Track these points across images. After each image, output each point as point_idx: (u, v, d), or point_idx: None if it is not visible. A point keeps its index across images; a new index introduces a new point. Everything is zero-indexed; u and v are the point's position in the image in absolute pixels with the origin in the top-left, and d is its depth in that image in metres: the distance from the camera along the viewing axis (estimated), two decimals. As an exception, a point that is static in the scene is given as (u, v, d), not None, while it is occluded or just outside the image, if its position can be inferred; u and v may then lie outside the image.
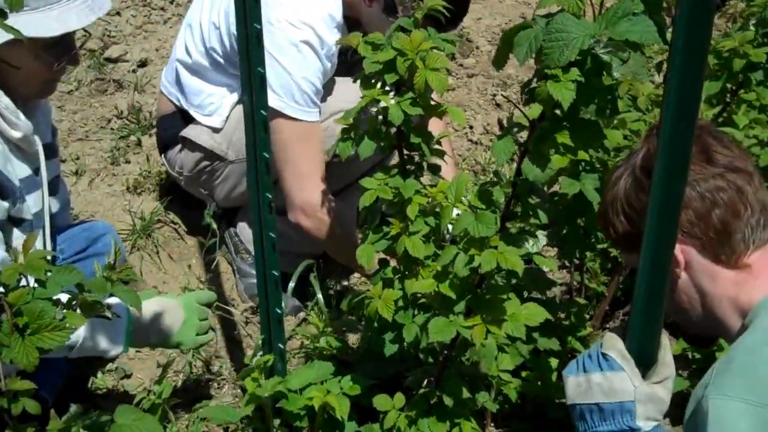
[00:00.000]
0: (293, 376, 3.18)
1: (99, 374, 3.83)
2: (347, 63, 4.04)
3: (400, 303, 2.90)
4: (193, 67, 4.14)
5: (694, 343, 2.81)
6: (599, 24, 2.14)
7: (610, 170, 2.75)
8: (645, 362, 2.29)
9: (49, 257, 2.33)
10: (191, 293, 3.63)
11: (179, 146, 4.27)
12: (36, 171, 3.29)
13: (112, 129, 5.14)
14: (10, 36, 2.18)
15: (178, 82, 4.23)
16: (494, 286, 2.62)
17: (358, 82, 2.89)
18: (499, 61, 2.37)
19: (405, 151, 2.96)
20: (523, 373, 3.30)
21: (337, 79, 4.06)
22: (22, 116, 3.15)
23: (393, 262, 3.00)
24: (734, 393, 2.21)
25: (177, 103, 4.27)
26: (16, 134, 3.15)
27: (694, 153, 2.20)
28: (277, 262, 3.04)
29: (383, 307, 2.84)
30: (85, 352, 3.18)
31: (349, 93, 3.75)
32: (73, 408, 3.57)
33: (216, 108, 4.13)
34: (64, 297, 2.37)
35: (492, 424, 3.38)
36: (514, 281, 2.63)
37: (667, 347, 2.31)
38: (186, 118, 4.24)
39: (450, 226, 2.70)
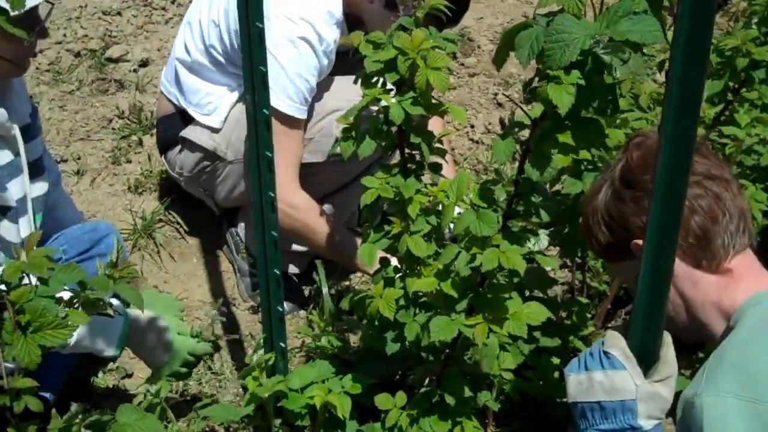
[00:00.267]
0: (294, 375, 3.18)
1: (100, 374, 3.84)
2: (348, 62, 4.04)
3: (402, 302, 2.90)
4: (192, 65, 4.14)
5: (682, 349, 2.82)
6: (600, 24, 2.14)
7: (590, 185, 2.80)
8: (647, 360, 2.28)
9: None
10: (191, 340, 3.48)
11: (179, 147, 4.27)
12: (17, 154, 3.28)
13: (113, 129, 5.14)
14: None
15: (178, 81, 4.23)
16: (496, 285, 2.62)
17: (357, 81, 2.90)
18: (499, 61, 2.37)
19: (406, 150, 2.96)
20: (525, 372, 3.29)
21: (336, 78, 4.06)
22: None
23: (394, 261, 3.00)
24: (727, 390, 2.22)
25: (176, 103, 4.27)
26: None
27: None
28: (279, 260, 3.04)
29: (384, 306, 2.85)
30: (79, 350, 3.18)
31: (346, 92, 3.76)
32: (74, 407, 3.57)
33: (215, 107, 4.12)
34: (66, 295, 2.37)
35: (493, 423, 3.38)
36: (515, 280, 2.63)
37: (670, 345, 2.31)
38: (185, 119, 4.24)
39: (451, 225, 2.70)
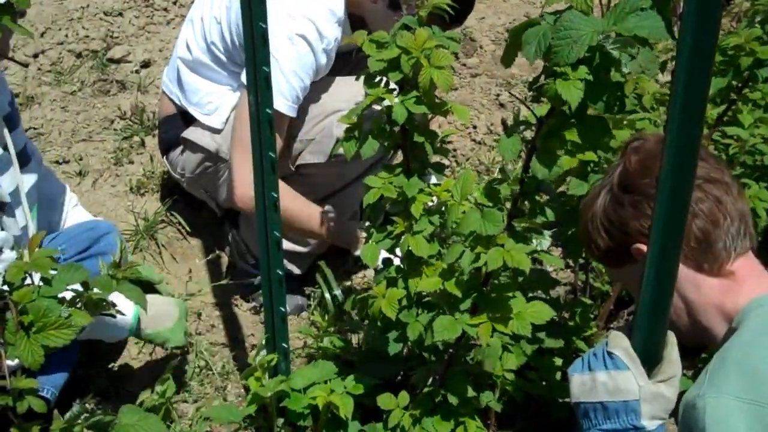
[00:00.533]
0: (297, 376, 3.18)
1: (102, 374, 3.83)
2: (349, 63, 4.03)
3: (404, 302, 2.89)
4: (194, 64, 4.13)
5: (687, 353, 2.82)
6: (607, 20, 2.14)
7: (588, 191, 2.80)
8: (651, 361, 2.29)
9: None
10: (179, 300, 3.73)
11: (181, 148, 4.26)
12: (5, 147, 3.27)
13: (115, 130, 5.14)
14: None
15: (179, 81, 4.22)
16: (500, 285, 2.62)
17: (357, 81, 2.89)
18: (507, 60, 2.37)
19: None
20: (528, 373, 3.29)
21: (337, 78, 4.05)
22: None
23: (397, 261, 3.00)
24: (729, 392, 2.22)
25: (177, 102, 4.26)
26: None
27: None
28: (281, 261, 3.04)
29: (387, 306, 2.84)
30: (92, 336, 3.19)
31: (346, 92, 3.76)
32: (76, 407, 3.57)
33: (215, 107, 4.11)
34: (68, 295, 2.37)
35: (496, 424, 3.38)
36: (519, 280, 2.63)
37: (674, 345, 2.31)
38: (187, 120, 4.23)
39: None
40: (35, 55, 5.45)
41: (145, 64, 5.58)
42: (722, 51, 3.34)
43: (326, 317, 3.93)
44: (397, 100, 2.75)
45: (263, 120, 2.83)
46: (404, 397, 2.98)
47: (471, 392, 2.94)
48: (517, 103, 5.35)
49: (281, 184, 3.84)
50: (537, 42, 2.18)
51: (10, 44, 3.31)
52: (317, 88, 3.93)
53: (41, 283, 2.27)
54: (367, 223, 3.02)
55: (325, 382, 3.14)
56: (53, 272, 2.28)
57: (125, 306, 3.20)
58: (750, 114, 3.57)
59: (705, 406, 2.21)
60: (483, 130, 5.39)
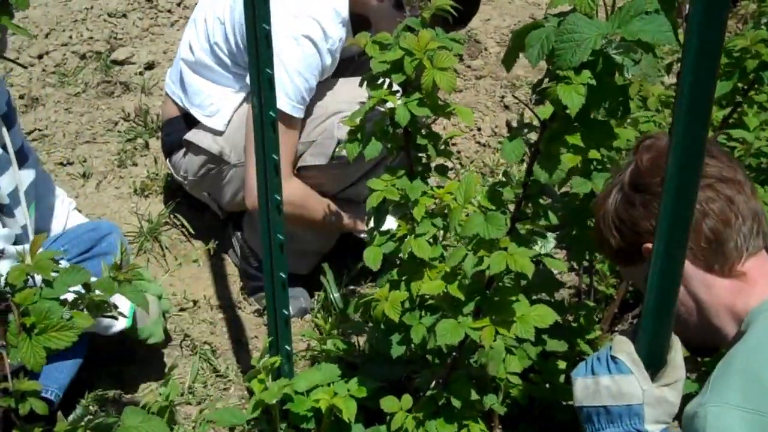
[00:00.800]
0: (300, 378, 3.18)
1: (106, 376, 3.83)
2: (351, 64, 4.02)
3: (407, 304, 2.89)
4: (196, 65, 4.12)
5: (696, 353, 2.81)
6: (612, 23, 2.13)
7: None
8: (655, 365, 2.28)
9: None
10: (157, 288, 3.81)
11: (183, 150, 4.26)
12: (4, 147, 3.27)
13: (119, 132, 5.14)
14: None
15: (182, 82, 4.22)
16: (503, 288, 2.61)
17: (359, 83, 2.88)
18: (508, 61, 2.36)
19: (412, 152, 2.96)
20: (531, 376, 3.28)
21: (340, 80, 4.05)
22: None
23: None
24: (732, 401, 2.20)
25: (180, 104, 4.26)
26: None
27: None
28: (284, 263, 3.04)
29: (390, 308, 2.83)
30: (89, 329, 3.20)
31: (348, 94, 3.75)
32: (80, 409, 3.57)
33: (217, 109, 4.11)
34: (70, 297, 2.36)
35: (500, 427, 3.37)
36: (523, 283, 2.62)
37: (678, 350, 2.30)
38: (189, 122, 4.23)
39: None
40: (39, 56, 5.46)
41: (149, 66, 5.57)
42: (728, 53, 3.33)
43: (329, 320, 3.93)
44: (400, 102, 2.75)
45: (266, 122, 2.83)
46: (407, 399, 2.98)
47: (474, 395, 2.93)
48: (522, 105, 5.34)
49: (297, 181, 3.86)
50: (540, 45, 2.17)
51: (8, 43, 3.30)
52: (318, 89, 3.93)
53: (43, 285, 2.26)
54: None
55: (329, 385, 3.14)
56: (55, 274, 2.27)
57: (122, 304, 3.22)
58: (755, 117, 3.56)
59: (706, 414, 2.20)
60: (487, 132, 5.39)
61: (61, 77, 5.39)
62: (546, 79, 2.28)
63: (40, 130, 5.03)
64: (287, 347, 3.17)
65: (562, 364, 3.30)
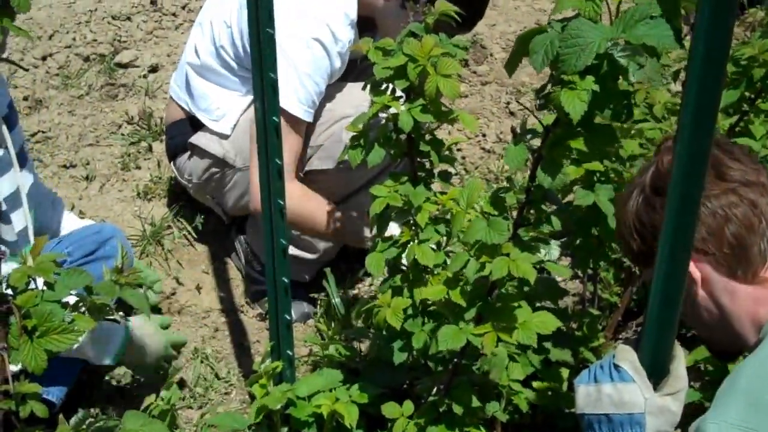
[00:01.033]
0: (302, 384, 3.17)
1: (108, 379, 3.82)
2: (358, 68, 4.02)
3: (409, 311, 2.88)
4: (202, 69, 4.12)
5: (720, 357, 2.78)
6: (616, 27, 2.12)
7: (623, 188, 2.74)
8: (657, 374, 2.28)
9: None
10: (168, 333, 3.76)
11: (188, 153, 4.25)
12: (5, 148, 3.27)
13: (122, 134, 5.13)
14: None
15: (187, 86, 4.21)
16: (505, 294, 2.61)
17: (365, 88, 2.88)
18: (511, 67, 2.35)
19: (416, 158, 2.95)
20: (534, 383, 3.28)
21: (348, 84, 4.04)
22: None
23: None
24: (730, 419, 2.17)
25: (185, 108, 4.25)
26: None
27: None
28: (287, 268, 3.03)
29: (392, 315, 2.83)
30: (78, 355, 3.19)
31: (356, 98, 3.73)
32: (82, 413, 3.56)
33: (223, 113, 4.11)
34: (72, 299, 2.36)
35: (502, 434, 3.37)
36: (525, 289, 2.61)
37: (681, 359, 2.29)
38: (194, 125, 4.23)
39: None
40: (43, 58, 5.45)
41: (153, 69, 5.56)
42: (735, 61, 3.32)
43: (332, 325, 3.93)
44: (403, 108, 2.74)
45: (269, 126, 2.82)
46: (409, 406, 2.97)
47: (476, 402, 2.92)
48: (527, 111, 5.33)
49: (298, 185, 3.84)
50: (544, 50, 2.16)
51: (6, 45, 3.29)
52: (327, 93, 3.92)
53: (44, 288, 2.26)
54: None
55: (330, 391, 3.13)
56: (56, 277, 2.27)
57: (114, 339, 3.23)
58: (762, 125, 3.54)
59: (706, 430, 2.18)
60: (492, 138, 5.37)
61: (64, 79, 5.38)
62: (550, 84, 2.28)
63: (43, 132, 5.02)
64: (289, 352, 3.16)
65: (565, 372, 3.29)
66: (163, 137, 4.81)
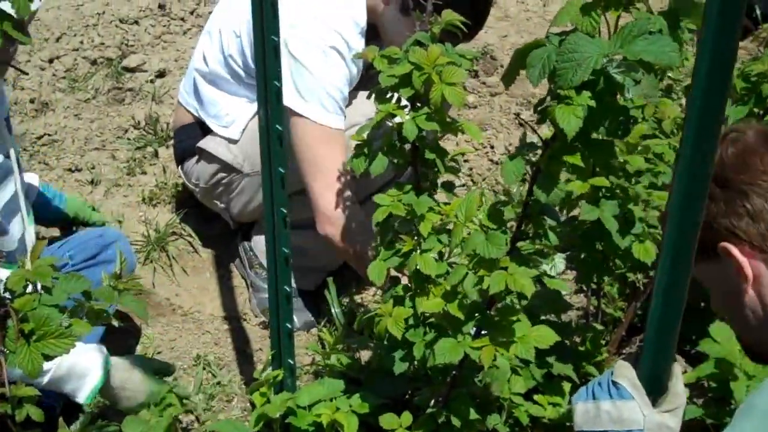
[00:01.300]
0: (303, 393, 3.16)
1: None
2: (366, 76, 4.02)
3: (411, 321, 2.87)
4: (210, 76, 4.12)
5: (759, 360, 2.70)
6: (614, 42, 2.11)
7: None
8: (656, 391, 2.27)
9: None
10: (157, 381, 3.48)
11: (196, 157, 4.25)
12: (7, 155, 3.27)
13: (128, 139, 5.13)
14: None
15: (196, 92, 4.21)
16: (504, 308, 2.60)
17: (370, 96, 2.88)
18: (508, 79, 2.35)
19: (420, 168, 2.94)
20: (535, 397, 3.27)
21: (360, 92, 4.04)
22: None
23: (404, 280, 2.98)
24: None
25: (195, 114, 4.26)
26: None
27: (763, 162, 2.16)
28: (289, 277, 3.03)
29: (393, 324, 2.81)
30: (52, 388, 3.15)
31: (366, 107, 3.73)
32: (82, 417, 3.56)
33: (233, 119, 4.11)
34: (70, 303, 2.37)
35: (501, 447, 3.36)
36: (523, 303, 2.60)
37: (679, 376, 2.28)
38: (203, 129, 4.23)
39: None
40: (50, 60, 5.44)
41: (160, 74, 5.55)
42: (745, 77, 3.31)
43: (334, 334, 3.92)
44: (408, 116, 2.74)
45: (273, 135, 2.81)
46: (407, 417, 2.95)
47: (474, 414, 2.91)
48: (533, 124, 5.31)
49: (360, 213, 3.79)
50: (541, 64, 2.15)
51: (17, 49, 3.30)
52: None
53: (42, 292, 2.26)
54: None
55: (331, 400, 3.12)
56: (55, 281, 2.27)
57: (90, 377, 3.19)
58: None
59: None
60: (501, 149, 5.36)
61: (71, 82, 5.37)
62: (548, 98, 2.26)
63: (49, 135, 5.02)
64: (290, 361, 3.15)
65: (567, 386, 3.28)
66: (169, 143, 4.83)
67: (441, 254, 2.87)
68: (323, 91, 3.73)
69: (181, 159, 4.37)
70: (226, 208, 4.33)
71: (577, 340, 3.41)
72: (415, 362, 2.90)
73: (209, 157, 4.19)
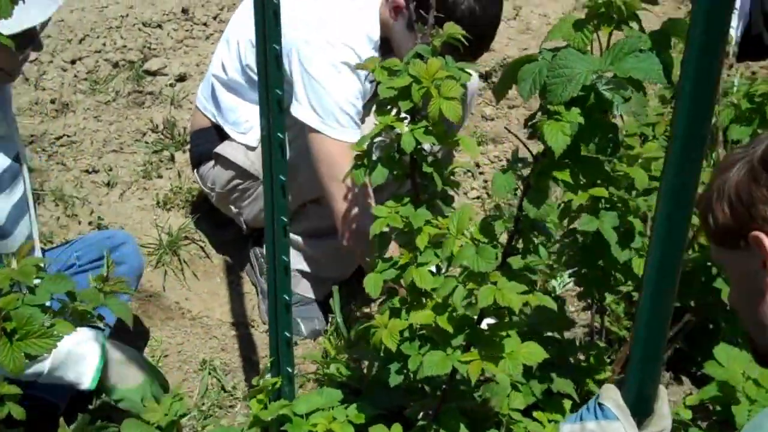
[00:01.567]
0: (301, 401, 3.15)
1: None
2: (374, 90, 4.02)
3: (407, 334, 2.86)
4: (229, 83, 4.14)
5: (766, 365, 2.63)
6: (604, 59, 2.11)
7: (725, 155, 2.58)
8: (641, 412, 2.27)
9: (41, 264, 2.32)
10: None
11: (212, 162, 4.26)
12: (16, 158, 3.29)
13: (146, 143, 5.14)
14: None
15: (214, 98, 4.22)
16: (498, 323, 2.59)
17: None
18: (499, 94, 2.34)
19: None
20: (535, 413, 3.25)
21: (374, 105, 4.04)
22: None
23: (402, 292, 2.97)
24: None
25: (212, 119, 4.26)
26: None
27: None
28: (288, 285, 3.02)
29: (387, 336, 2.80)
30: (53, 379, 3.17)
31: (370, 119, 3.75)
32: (81, 417, 3.56)
33: (251, 126, 4.11)
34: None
35: (498, 463, 3.34)
36: (516, 318, 2.59)
37: (665, 399, 2.28)
38: (221, 134, 4.23)
39: None
40: (72, 62, 5.47)
41: (181, 78, 5.56)
42: (750, 98, 3.30)
43: (337, 343, 3.92)
44: (407, 129, 2.73)
45: (274, 143, 2.81)
46: (397, 429, 2.95)
47: (464, 429, 2.90)
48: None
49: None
50: (532, 79, 2.15)
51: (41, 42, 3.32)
52: None
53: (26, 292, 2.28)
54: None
55: (329, 410, 3.11)
56: (38, 281, 2.28)
57: (89, 358, 3.20)
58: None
59: None
60: (517, 162, 5.34)
61: (92, 84, 5.39)
62: (539, 113, 2.26)
63: (68, 136, 5.04)
64: (288, 369, 3.15)
65: (567, 404, 3.26)
66: (186, 147, 4.83)
67: (438, 268, 2.86)
68: (337, 108, 3.74)
69: (197, 162, 4.37)
70: (240, 213, 4.33)
71: (582, 357, 3.39)
72: (411, 374, 2.90)
73: (226, 163, 4.19)
